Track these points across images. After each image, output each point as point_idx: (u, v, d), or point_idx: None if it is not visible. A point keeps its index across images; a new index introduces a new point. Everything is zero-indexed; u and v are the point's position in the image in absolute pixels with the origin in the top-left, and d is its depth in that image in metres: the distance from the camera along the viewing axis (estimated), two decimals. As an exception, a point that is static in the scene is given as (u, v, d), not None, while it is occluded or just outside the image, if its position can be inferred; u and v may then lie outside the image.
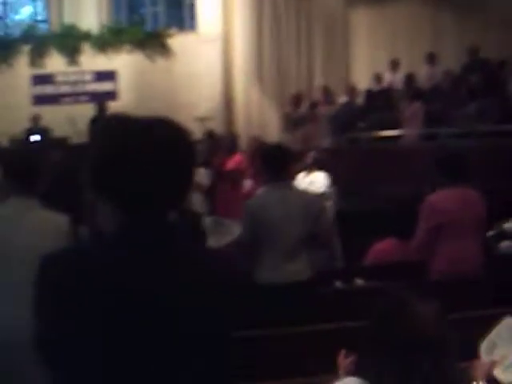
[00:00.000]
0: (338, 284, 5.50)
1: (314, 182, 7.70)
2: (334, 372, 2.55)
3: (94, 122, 11.20)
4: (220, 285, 1.73)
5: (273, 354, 3.78)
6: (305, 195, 4.95)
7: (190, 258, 1.72)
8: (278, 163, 4.60)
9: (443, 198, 4.84)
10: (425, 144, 10.11)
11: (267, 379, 3.46)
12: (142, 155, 1.65)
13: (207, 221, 6.40)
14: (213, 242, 5.44)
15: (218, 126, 12.55)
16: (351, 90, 12.25)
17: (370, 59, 13.56)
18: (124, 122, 1.74)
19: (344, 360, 2.55)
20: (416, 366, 1.97)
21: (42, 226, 3.51)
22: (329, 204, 7.70)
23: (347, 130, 11.05)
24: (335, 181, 8.19)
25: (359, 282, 5.49)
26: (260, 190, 6.18)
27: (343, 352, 2.59)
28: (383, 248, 5.69)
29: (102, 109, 11.97)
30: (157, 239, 1.67)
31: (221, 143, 10.66)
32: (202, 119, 12.12)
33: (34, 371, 1.87)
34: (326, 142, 11.02)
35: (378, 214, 6.66)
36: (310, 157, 8.15)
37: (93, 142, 1.77)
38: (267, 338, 3.90)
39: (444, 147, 7.00)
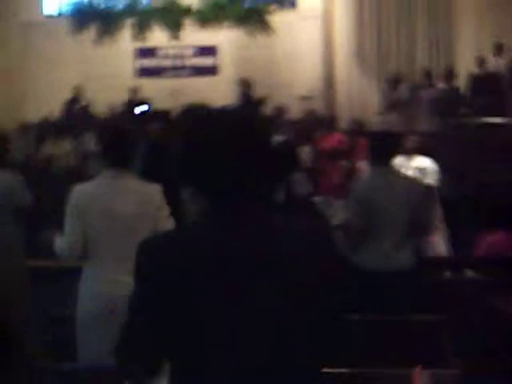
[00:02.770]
0: (447, 274, 5.47)
1: (424, 168, 7.58)
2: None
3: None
4: (310, 238, 1.78)
5: (373, 341, 3.69)
6: (410, 181, 4.89)
7: (280, 228, 1.77)
8: (385, 149, 4.59)
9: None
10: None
11: (362, 365, 3.42)
12: (219, 143, 1.72)
13: (316, 201, 6.39)
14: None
15: (318, 105, 12.53)
16: (450, 74, 11.99)
17: (474, 42, 13.22)
18: (204, 113, 1.84)
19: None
20: None
21: (137, 194, 3.67)
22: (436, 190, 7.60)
23: (449, 114, 10.86)
24: (440, 167, 8.07)
25: (470, 273, 5.43)
26: (365, 175, 6.15)
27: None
28: (496, 241, 5.60)
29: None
30: (241, 219, 1.73)
31: (321, 122, 10.65)
32: (303, 98, 12.13)
33: None
34: (427, 126, 10.85)
35: (485, 203, 6.56)
36: (413, 140, 7.96)
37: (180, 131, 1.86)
38: (372, 323, 3.81)
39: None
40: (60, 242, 3.67)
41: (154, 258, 1.72)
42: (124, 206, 3.61)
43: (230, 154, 1.73)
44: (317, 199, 6.72)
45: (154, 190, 3.71)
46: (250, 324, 1.68)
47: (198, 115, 1.85)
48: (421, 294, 4.32)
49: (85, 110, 11.85)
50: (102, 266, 3.64)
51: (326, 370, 1.95)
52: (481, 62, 12.09)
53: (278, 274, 1.69)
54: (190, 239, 1.73)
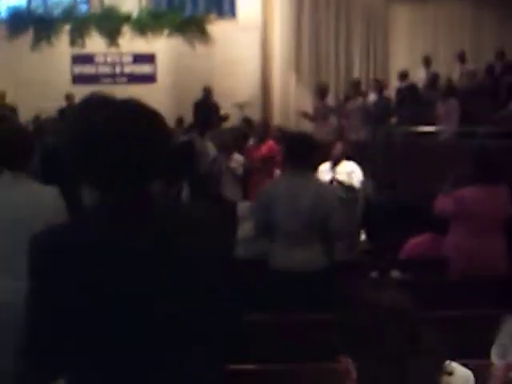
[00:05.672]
0: (374, 275, 5.53)
1: (352, 172, 7.68)
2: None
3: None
4: (202, 221, 1.80)
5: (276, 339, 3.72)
6: (321, 186, 4.88)
7: (169, 212, 1.80)
8: (299, 151, 4.53)
9: (471, 194, 4.93)
10: (462, 142, 10.07)
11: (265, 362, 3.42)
12: (105, 132, 1.70)
13: (242, 207, 6.44)
14: (247, 227, 5.49)
15: (254, 113, 12.59)
16: (379, 86, 12.24)
17: (408, 55, 13.53)
18: (93, 101, 1.80)
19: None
20: None
21: (31, 198, 3.51)
22: (361, 196, 7.72)
23: (379, 124, 11.07)
24: (370, 174, 8.20)
25: (396, 274, 5.49)
26: (277, 179, 6.17)
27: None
28: (420, 242, 5.71)
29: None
30: (130, 209, 1.73)
31: (255, 130, 10.70)
32: (240, 105, 12.19)
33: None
34: (358, 134, 11.02)
35: (414, 209, 6.68)
36: (338, 148, 8.02)
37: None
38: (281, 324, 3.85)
39: (482, 145, 6.97)
40: None
41: (48, 250, 1.68)
42: (17, 210, 3.44)
43: (119, 145, 1.69)
44: (242, 204, 6.75)
45: (50, 193, 3.57)
46: (149, 315, 1.67)
47: (89, 102, 1.81)
48: (327, 293, 4.27)
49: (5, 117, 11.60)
50: None
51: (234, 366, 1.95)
52: (402, 75, 12.44)
53: (171, 264, 1.69)
54: (83, 232, 1.71)
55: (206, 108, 11.95)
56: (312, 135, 5.72)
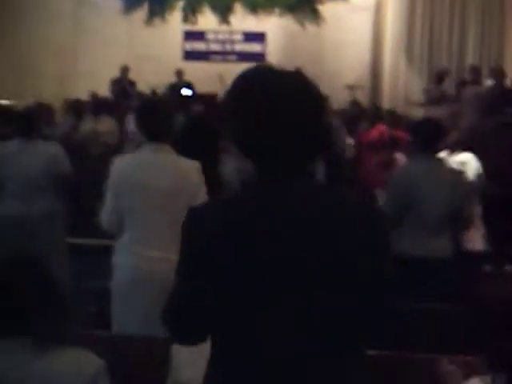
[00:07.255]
0: (488, 268, 5.42)
1: (465, 163, 7.51)
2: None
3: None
4: (361, 217, 1.68)
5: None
6: (455, 172, 4.81)
7: (326, 196, 1.70)
8: (429, 136, 4.47)
9: None
10: None
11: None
12: (268, 104, 1.63)
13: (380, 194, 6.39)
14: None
15: (364, 96, 12.52)
16: (498, 73, 11.81)
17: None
18: (257, 72, 1.73)
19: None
20: None
21: (174, 170, 3.63)
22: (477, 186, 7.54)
23: (494, 112, 10.72)
24: (483, 164, 7.99)
25: (510, 268, 5.38)
26: (407, 162, 6.07)
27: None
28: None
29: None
30: (291, 191, 1.65)
31: (365, 113, 10.60)
32: (350, 87, 12.11)
33: None
34: (471, 122, 10.72)
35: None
36: (455, 136, 7.85)
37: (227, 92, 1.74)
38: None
39: None
40: (100, 216, 3.70)
41: (203, 226, 1.67)
42: (160, 181, 3.56)
43: (284, 119, 1.64)
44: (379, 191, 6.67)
45: (193, 167, 3.65)
46: (299, 300, 1.63)
47: (255, 75, 1.73)
48: (457, 284, 4.25)
49: (129, 89, 11.92)
50: (131, 240, 3.61)
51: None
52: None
53: (330, 248, 1.63)
54: (239, 210, 1.67)
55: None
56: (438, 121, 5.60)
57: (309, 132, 1.67)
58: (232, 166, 5.25)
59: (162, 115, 3.72)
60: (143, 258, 3.55)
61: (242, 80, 1.72)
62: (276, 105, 1.64)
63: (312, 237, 1.63)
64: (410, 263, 4.30)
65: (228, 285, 1.64)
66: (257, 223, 1.63)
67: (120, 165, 3.70)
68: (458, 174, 4.81)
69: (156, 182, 3.57)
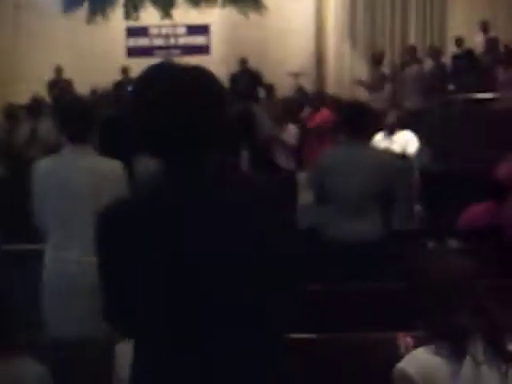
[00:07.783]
0: (431, 244, 5.44)
1: (406, 141, 7.56)
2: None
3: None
4: (269, 203, 1.77)
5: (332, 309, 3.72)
6: (381, 155, 4.82)
7: (232, 183, 1.77)
8: (356, 120, 4.46)
9: None
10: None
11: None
12: (164, 98, 1.68)
13: (301, 176, 6.39)
14: (306, 197, 5.45)
15: (308, 83, 12.55)
16: (435, 52, 11.96)
17: (465, 23, 13.16)
18: (155, 70, 1.77)
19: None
20: None
21: (99, 169, 3.58)
22: (416, 165, 7.60)
23: (436, 91, 10.84)
24: (426, 142, 8.05)
25: (453, 243, 5.39)
26: (334, 147, 6.10)
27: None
28: (479, 210, 5.56)
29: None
30: (195, 177, 1.71)
31: (309, 99, 10.62)
32: (294, 75, 12.15)
33: None
34: (413, 102, 10.80)
35: (471, 177, 6.55)
36: (392, 116, 7.86)
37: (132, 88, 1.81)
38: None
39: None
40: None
41: (117, 222, 1.71)
42: (79, 182, 3.52)
43: (182, 111, 1.68)
44: (302, 174, 6.71)
45: (115, 167, 3.60)
46: (211, 286, 1.67)
47: (151, 71, 1.77)
48: (385, 264, 4.21)
49: (64, 90, 11.74)
50: (54, 242, 3.58)
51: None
52: (458, 42, 12.12)
53: (239, 235, 1.69)
54: (152, 200, 1.72)
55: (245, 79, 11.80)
56: (368, 104, 5.62)
57: (208, 123, 1.72)
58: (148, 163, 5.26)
59: (83, 115, 3.64)
60: (63, 261, 3.52)
61: (140, 80, 1.77)
62: (174, 99, 1.68)
63: (220, 225, 1.68)
64: (338, 247, 4.31)
65: (142, 278, 1.68)
66: (167, 215, 1.68)
67: (41, 166, 3.64)
68: (383, 157, 4.79)
69: (75, 183, 3.52)
